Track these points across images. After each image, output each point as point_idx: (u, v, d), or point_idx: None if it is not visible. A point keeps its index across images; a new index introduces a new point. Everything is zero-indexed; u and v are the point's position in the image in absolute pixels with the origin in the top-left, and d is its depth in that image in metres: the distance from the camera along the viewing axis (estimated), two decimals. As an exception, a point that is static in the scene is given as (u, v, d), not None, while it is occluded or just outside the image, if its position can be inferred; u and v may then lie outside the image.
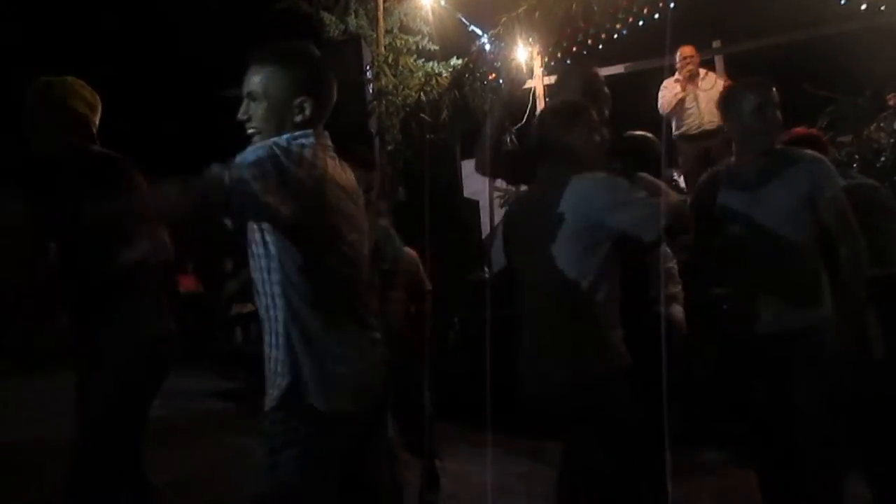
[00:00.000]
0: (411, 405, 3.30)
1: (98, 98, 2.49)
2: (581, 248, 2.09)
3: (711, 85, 5.87)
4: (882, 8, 5.72)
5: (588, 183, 2.12)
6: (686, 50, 5.99)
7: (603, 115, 2.55)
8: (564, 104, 2.39)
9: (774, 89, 2.43)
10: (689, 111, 5.95)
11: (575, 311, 2.11)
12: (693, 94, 5.91)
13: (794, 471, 2.29)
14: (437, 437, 3.52)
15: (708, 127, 5.79)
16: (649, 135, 2.78)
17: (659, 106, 5.99)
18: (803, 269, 2.31)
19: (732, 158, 2.53)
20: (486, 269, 5.54)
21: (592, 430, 2.11)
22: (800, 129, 3.03)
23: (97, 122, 2.48)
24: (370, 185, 2.82)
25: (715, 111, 5.80)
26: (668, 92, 5.97)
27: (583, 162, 2.19)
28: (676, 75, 5.99)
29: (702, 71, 6.05)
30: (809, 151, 2.42)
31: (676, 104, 5.92)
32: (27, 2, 11.28)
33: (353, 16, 6.90)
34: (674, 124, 6.12)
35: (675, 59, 6.04)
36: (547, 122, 2.33)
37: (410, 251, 3.56)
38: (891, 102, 5.07)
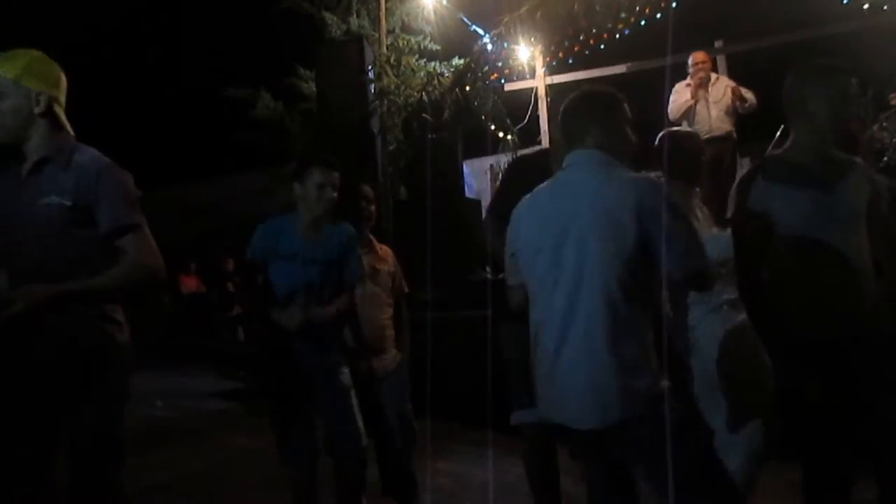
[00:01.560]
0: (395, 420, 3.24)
1: (61, 74, 2.09)
2: (614, 249, 1.85)
3: (722, 92, 5.85)
4: (884, 7, 5.71)
5: (631, 180, 1.88)
6: (698, 55, 5.94)
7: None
8: (597, 90, 2.13)
9: (854, 80, 2.16)
10: (699, 117, 5.92)
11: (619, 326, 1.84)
12: (704, 100, 5.89)
13: (882, 476, 2.15)
14: (438, 436, 3.48)
15: (717, 133, 5.76)
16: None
17: (669, 110, 5.96)
18: (871, 272, 2.16)
19: (781, 150, 2.26)
20: (487, 269, 5.53)
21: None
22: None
23: (63, 102, 2.09)
24: (334, 184, 2.79)
25: (724, 117, 5.90)
26: (679, 97, 5.93)
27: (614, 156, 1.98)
28: (688, 80, 5.96)
29: (713, 76, 6.02)
30: (857, 158, 2.26)
31: (686, 110, 5.89)
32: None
33: (354, 16, 6.91)
34: (684, 127, 6.11)
35: (677, 59, 6.02)
36: (578, 109, 2.06)
37: (386, 249, 3.43)
38: (893, 102, 5.05)
